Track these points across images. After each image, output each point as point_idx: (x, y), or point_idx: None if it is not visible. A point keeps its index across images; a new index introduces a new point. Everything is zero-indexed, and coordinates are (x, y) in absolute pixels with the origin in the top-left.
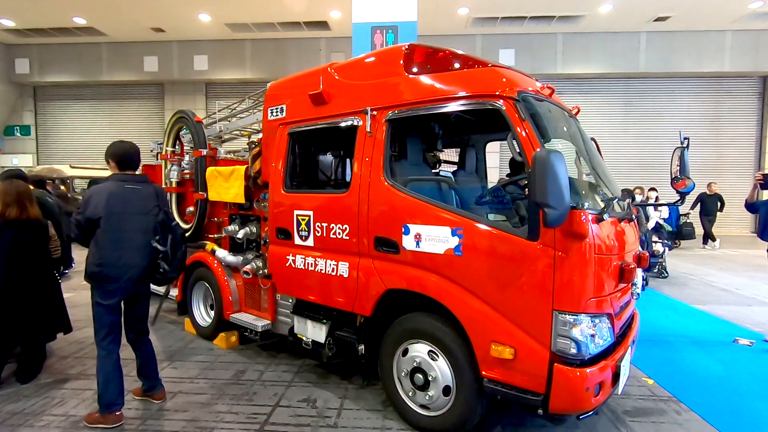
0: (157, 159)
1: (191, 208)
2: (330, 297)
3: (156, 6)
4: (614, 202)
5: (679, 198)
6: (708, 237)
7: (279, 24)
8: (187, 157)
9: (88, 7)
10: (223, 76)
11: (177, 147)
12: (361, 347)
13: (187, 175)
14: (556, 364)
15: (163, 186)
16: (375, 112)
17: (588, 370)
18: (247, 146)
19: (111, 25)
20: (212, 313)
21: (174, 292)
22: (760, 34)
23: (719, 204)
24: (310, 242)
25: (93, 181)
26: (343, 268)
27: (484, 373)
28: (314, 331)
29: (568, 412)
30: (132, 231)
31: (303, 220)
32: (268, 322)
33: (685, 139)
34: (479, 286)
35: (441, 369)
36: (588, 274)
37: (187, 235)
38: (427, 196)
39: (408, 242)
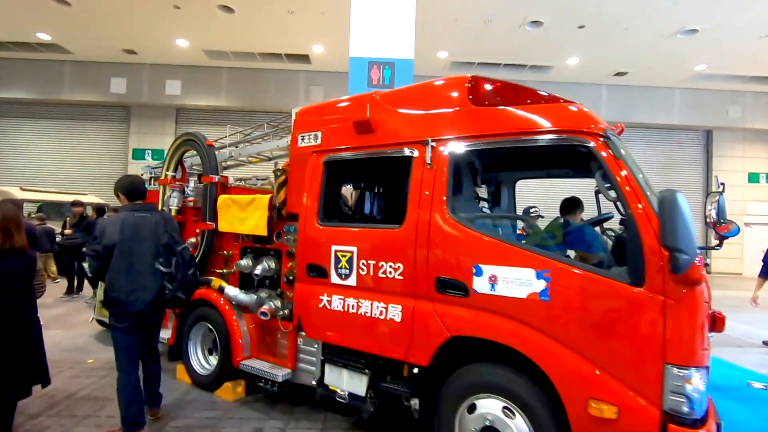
0: (150, 183)
1: (192, 240)
2: (376, 343)
3: (131, 28)
4: None
5: (719, 242)
6: None
7: (259, 54)
8: (192, 183)
9: (56, 23)
10: (196, 102)
11: (178, 172)
12: (415, 401)
13: (191, 203)
14: (669, 424)
15: None
16: (434, 143)
17: (701, 431)
18: (273, 173)
19: (78, 43)
20: (212, 359)
21: (164, 334)
22: (704, 93)
23: None
24: (351, 281)
25: (43, 206)
26: (395, 312)
27: None
28: (352, 383)
29: None
30: (142, 256)
31: (343, 256)
32: (289, 371)
33: (721, 184)
34: (571, 335)
35: (519, 428)
36: (700, 323)
37: None
38: (504, 235)
39: (480, 284)
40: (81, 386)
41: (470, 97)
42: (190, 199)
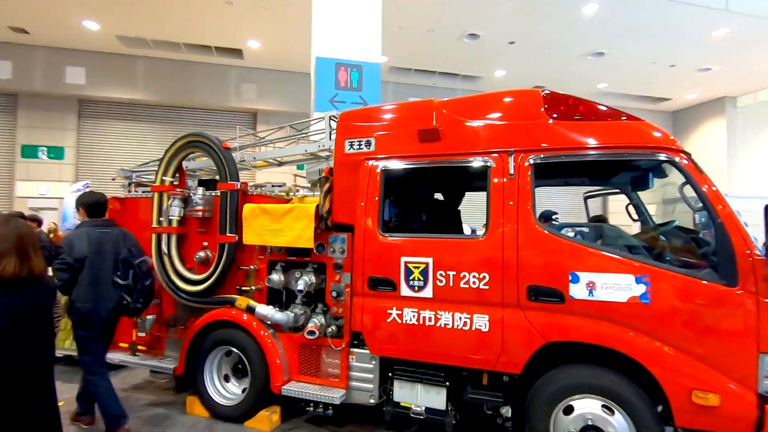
0: (131, 190)
1: (201, 254)
2: (459, 355)
3: (25, 4)
4: None
5: None
6: None
7: (185, 45)
8: (199, 191)
9: None
10: (105, 93)
11: (176, 177)
12: (506, 409)
13: (198, 213)
14: (766, 405)
15: (156, 225)
16: (514, 154)
17: None
18: (318, 180)
19: None
20: (230, 386)
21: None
22: None
23: None
24: (426, 293)
25: None
26: (481, 322)
27: (678, 422)
28: (429, 397)
29: None
30: (106, 269)
31: (416, 268)
32: (343, 391)
33: None
34: (672, 333)
35: (619, 424)
36: None
37: (202, 288)
38: (597, 243)
39: (577, 291)
40: None
41: (548, 110)
42: (198, 208)
